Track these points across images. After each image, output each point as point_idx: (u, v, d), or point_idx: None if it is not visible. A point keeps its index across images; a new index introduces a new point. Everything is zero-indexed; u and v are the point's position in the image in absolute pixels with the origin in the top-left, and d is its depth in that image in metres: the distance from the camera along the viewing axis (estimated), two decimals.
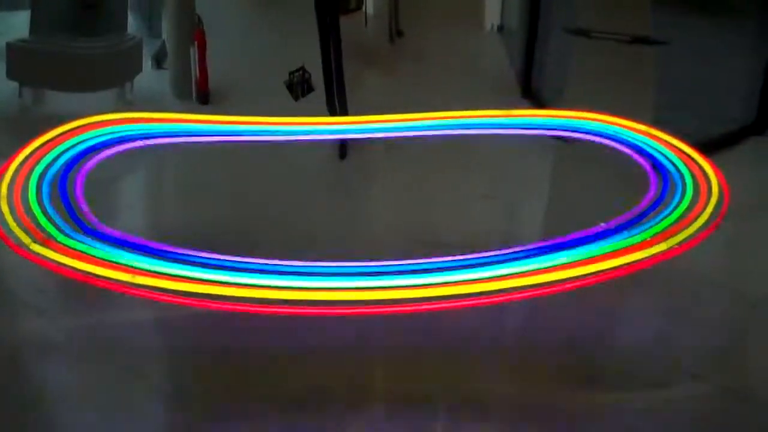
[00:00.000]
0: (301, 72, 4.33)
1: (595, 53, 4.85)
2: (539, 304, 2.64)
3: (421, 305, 2.49)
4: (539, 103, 4.69)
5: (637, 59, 4.65)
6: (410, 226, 3.47)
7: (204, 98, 4.84)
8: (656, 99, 4.24)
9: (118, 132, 2.90)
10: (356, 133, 3.31)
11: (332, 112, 4.32)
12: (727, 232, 2.78)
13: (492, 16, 6.44)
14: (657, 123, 2.99)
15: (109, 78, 4.82)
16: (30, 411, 2.42)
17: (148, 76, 5.04)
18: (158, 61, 5.21)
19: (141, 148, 2.98)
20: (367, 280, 2.58)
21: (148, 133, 2.98)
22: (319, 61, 4.34)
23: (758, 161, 4.12)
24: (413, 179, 3.95)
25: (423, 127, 3.02)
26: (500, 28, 6.27)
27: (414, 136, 3.11)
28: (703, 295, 3.10)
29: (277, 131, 3.01)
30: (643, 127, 2.93)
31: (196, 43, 4.82)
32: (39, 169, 2.70)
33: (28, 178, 2.68)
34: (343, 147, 4.17)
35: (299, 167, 4.00)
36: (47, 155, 2.71)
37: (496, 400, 2.51)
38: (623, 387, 2.58)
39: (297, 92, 4.34)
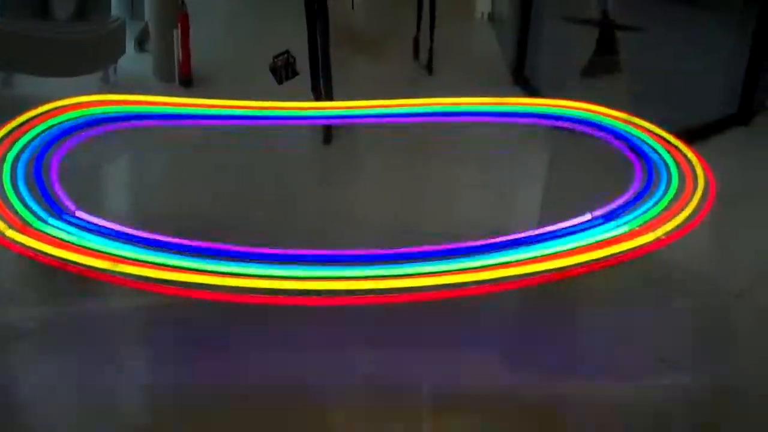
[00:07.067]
0: (285, 56, 4.28)
1: (591, 41, 4.84)
2: (525, 294, 2.64)
3: (408, 295, 2.46)
4: (531, 91, 4.68)
5: (634, 48, 4.65)
6: (395, 214, 3.44)
7: (187, 81, 4.80)
8: (639, 88, 4.24)
9: (97, 114, 2.86)
10: (341, 118, 3.29)
11: (317, 97, 4.28)
12: (710, 222, 2.76)
13: (482, 4, 6.43)
14: (639, 112, 2.99)
15: (91, 62, 4.75)
16: (4, 399, 2.39)
17: (131, 59, 4.99)
18: (141, 44, 5.16)
19: (120, 131, 2.94)
20: (350, 269, 2.55)
21: (128, 116, 2.94)
22: (305, 44, 4.30)
23: (741, 151, 4.12)
24: (399, 166, 3.92)
25: (409, 113, 3.00)
26: (491, 17, 6.26)
27: (400, 122, 3.09)
28: (686, 285, 3.08)
29: (261, 115, 2.99)
30: (625, 116, 2.94)
31: (179, 25, 4.78)
32: (13, 152, 2.65)
33: (1, 163, 2.63)
34: (327, 132, 4.13)
35: (283, 152, 3.96)
36: (22, 138, 2.67)
37: (482, 389, 2.51)
38: (605, 377, 2.58)
39: (281, 76, 4.29)
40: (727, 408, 2.48)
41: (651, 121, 2.95)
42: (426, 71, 5.07)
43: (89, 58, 4.73)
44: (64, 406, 2.39)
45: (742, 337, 2.82)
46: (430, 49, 5.07)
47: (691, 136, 3.01)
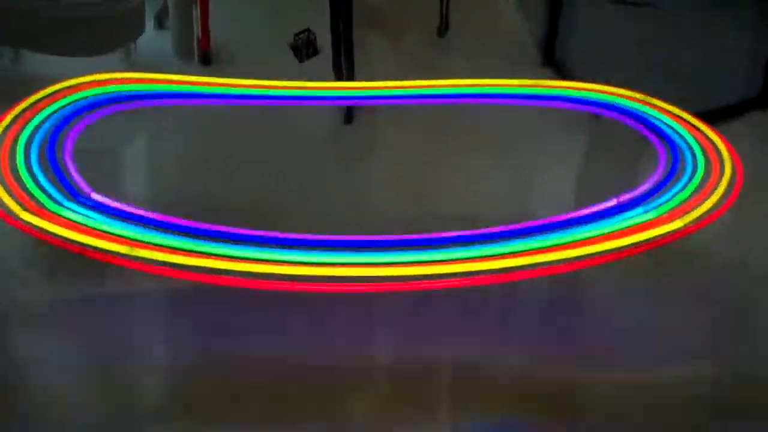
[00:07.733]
0: (306, 33, 4.25)
1: (624, 20, 4.79)
2: (544, 280, 2.60)
3: (428, 283, 2.44)
4: (560, 73, 4.62)
5: (654, 29, 4.59)
6: (417, 198, 3.40)
7: (206, 59, 4.77)
8: (658, 69, 4.19)
9: (114, 92, 2.84)
10: (363, 98, 3.26)
11: (339, 76, 4.24)
12: (734, 208, 2.73)
13: None
14: (659, 94, 2.94)
15: (111, 41, 4.72)
16: (14, 384, 2.40)
17: (150, 37, 4.97)
18: (160, 21, 5.13)
19: (137, 110, 2.91)
20: (372, 254, 2.52)
21: (145, 94, 2.92)
22: (325, 22, 4.26)
23: (762, 135, 4.07)
24: (421, 148, 3.88)
25: (433, 94, 2.97)
26: None
27: (423, 103, 3.05)
28: (709, 272, 3.03)
29: (281, 95, 2.96)
30: (647, 98, 2.90)
31: (198, 2, 4.75)
32: (27, 131, 2.63)
33: (15, 142, 2.61)
34: (349, 112, 4.09)
35: (303, 132, 3.93)
36: (36, 116, 2.65)
37: (493, 377, 2.50)
38: (624, 366, 2.57)
39: (302, 54, 4.26)
40: (750, 395, 2.47)
41: (672, 104, 2.92)
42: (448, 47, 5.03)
43: (110, 37, 4.71)
44: (74, 392, 2.40)
45: (764, 325, 2.79)
46: (446, 19, 5.00)
47: (711, 119, 2.98)
